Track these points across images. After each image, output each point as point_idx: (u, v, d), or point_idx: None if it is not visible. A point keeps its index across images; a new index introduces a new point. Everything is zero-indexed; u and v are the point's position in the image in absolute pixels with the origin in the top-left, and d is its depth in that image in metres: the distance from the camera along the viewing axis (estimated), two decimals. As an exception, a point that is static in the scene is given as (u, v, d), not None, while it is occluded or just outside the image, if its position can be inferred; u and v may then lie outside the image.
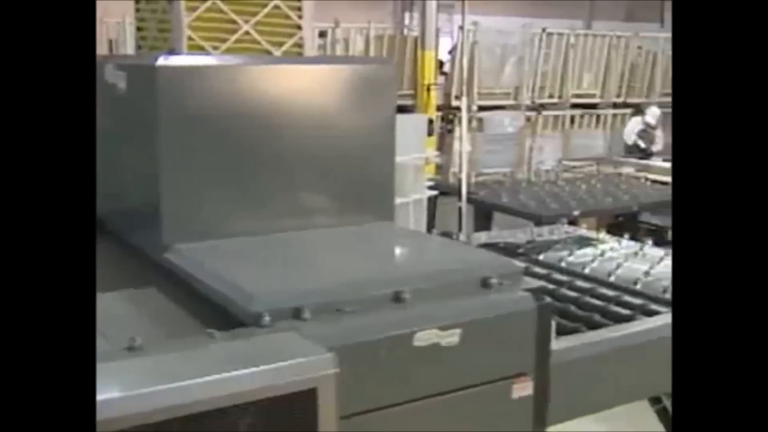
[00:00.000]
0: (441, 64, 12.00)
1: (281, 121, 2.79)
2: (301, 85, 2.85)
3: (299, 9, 3.65)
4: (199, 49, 3.47)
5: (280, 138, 2.80)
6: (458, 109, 9.22)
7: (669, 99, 13.46)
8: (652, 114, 11.03)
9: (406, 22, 13.44)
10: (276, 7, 3.60)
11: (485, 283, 2.44)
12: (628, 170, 9.65)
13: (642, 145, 10.82)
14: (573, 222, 6.23)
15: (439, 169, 9.73)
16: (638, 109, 11.51)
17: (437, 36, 11.24)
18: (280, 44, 3.63)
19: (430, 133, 9.72)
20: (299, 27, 3.65)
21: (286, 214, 2.84)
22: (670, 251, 4.38)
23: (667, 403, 3.38)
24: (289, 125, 2.80)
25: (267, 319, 2.06)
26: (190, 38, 3.45)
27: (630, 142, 10.80)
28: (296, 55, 3.65)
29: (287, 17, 3.65)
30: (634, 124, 11.02)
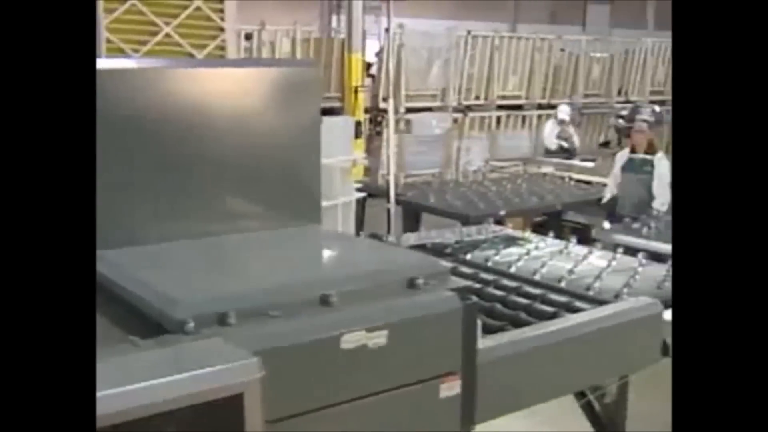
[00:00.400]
0: (368, 66, 12.02)
1: (204, 124, 2.76)
2: (225, 89, 2.82)
3: (222, 11, 3.61)
4: (119, 52, 3.42)
5: (204, 142, 2.77)
6: (386, 111, 9.25)
7: (590, 100, 13.78)
8: (563, 111, 11.23)
9: (334, 24, 13.42)
10: (198, 8, 3.57)
11: (412, 284, 2.46)
12: (552, 170, 9.83)
13: (565, 145, 11.02)
14: (500, 221, 6.32)
15: (368, 171, 9.75)
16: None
17: (364, 38, 11.25)
18: (203, 47, 3.60)
19: (358, 136, 9.73)
20: (222, 29, 3.62)
21: (211, 219, 2.80)
22: (593, 249, 4.48)
23: (592, 397, 3.46)
24: (213, 129, 2.77)
25: (191, 325, 2.03)
26: (108, 41, 3.39)
27: (553, 147, 10.92)
28: (219, 58, 3.62)
29: (209, 19, 3.62)
30: (550, 128, 11.15)
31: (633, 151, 7.44)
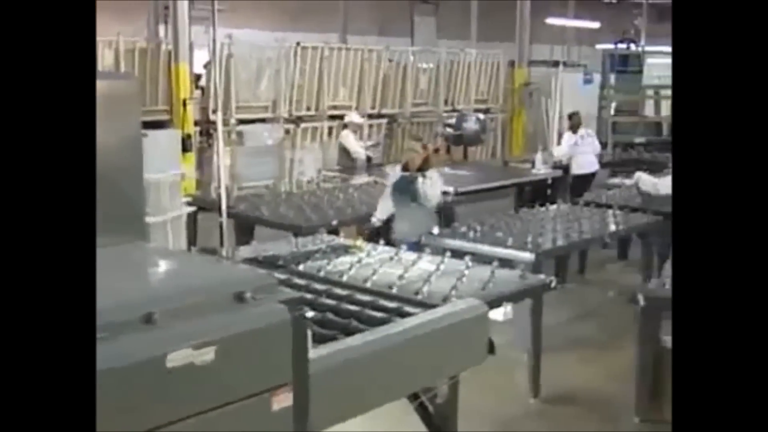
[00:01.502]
0: (198, 77, 11.77)
1: (14, 140, 2.61)
2: (35, 102, 2.69)
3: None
4: None
5: (14, 158, 2.62)
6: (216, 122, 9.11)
7: (419, 109, 14.14)
8: (355, 117, 11.34)
9: (161, 34, 13.03)
10: (5, 18, 3.37)
11: (239, 298, 2.44)
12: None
13: (372, 155, 10.94)
14: (333, 231, 6.36)
15: (201, 184, 9.57)
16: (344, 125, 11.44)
17: (192, 49, 11.02)
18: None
19: (188, 149, 9.52)
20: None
21: (25, 240, 2.66)
22: (423, 255, 4.61)
23: (424, 398, 3.55)
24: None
25: (3, 353, 1.92)
26: None
27: (363, 157, 10.76)
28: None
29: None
30: (355, 142, 10.89)
31: (406, 169, 6.56)
